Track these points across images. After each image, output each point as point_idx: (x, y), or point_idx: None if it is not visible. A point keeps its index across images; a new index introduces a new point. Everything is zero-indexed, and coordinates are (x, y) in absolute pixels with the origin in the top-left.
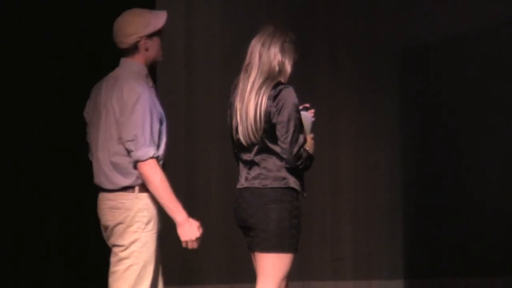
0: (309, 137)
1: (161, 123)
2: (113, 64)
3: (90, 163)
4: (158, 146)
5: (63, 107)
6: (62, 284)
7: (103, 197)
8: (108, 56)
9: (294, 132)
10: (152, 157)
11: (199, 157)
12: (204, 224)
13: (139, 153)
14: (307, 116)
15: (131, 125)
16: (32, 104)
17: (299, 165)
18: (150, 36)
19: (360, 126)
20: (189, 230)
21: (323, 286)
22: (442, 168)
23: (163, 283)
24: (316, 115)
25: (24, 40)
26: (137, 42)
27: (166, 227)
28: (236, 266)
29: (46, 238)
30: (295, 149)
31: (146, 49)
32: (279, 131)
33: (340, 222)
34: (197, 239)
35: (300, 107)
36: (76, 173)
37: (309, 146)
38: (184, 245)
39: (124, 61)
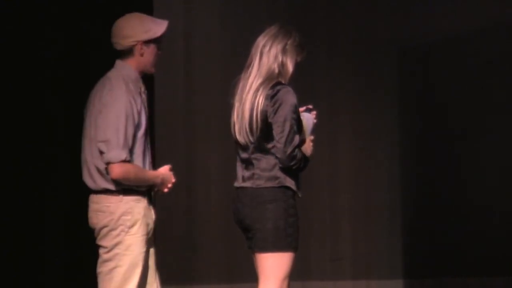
0: (309, 139)
1: (138, 129)
2: (112, 64)
3: None
4: (131, 151)
5: (63, 107)
6: (62, 284)
7: (90, 199)
8: (107, 56)
9: (289, 132)
10: (124, 161)
11: (198, 157)
12: (203, 224)
13: (110, 155)
14: (309, 118)
15: (105, 126)
16: (32, 104)
17: (292, 165)
18: (147, 42)
19: (359, 126)
20: (166, 181)
21: (322, 286)
22: (442, 168)
23: (157, 285)
24: (316, 115)
25: (24, 40)
26: (133, 46)
27: (164, 227)
28: (235, 266)
29: (46, 238)
30: (289, 149)
31: (141, 55)
32: (275, 130)
33: (339, 222)
34: (173, 182)
35: (303, 108)
36: (76, 173)
37: (308, 147)
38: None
39: (117, 63)
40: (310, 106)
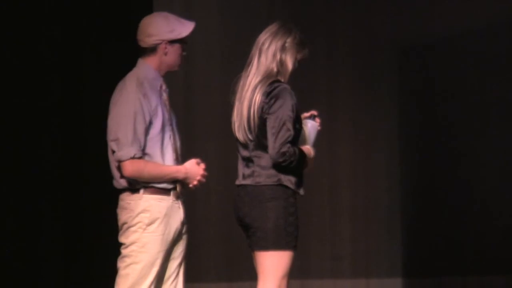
0: (311, 159)
1: (151, 127)
2: (111, 63)
3: (90, 163)
4: (144, 148)
5: (63, 107)
6: (62, 284)
7: (119, 198)
8: (107, 56)
9: (280, 128)
10: (133, 158)
11: (198, 157)
12: (203, 223)
13: (120, 153)
14: (313, 126)
15: (114, 125)
16: (32, 104)
17: (281, 162)
18: (172, 42)
19: (359, 126)
20: (192, 174)
21: (321, 285)
22: (441, 167)
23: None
24: (320, 123)
25: (23, 39)
26: (157, 44)
27: None
28: (235, 264)
29: (46, 238)
30: (278, 145)
31: (165, 54)
32: (268, 126)
33: (339, 221)
34: (203, 175)
35: (308, 114)
36: (77, 173)
37: (310, 161)
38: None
39: (138, 62)
40: (315, 112)
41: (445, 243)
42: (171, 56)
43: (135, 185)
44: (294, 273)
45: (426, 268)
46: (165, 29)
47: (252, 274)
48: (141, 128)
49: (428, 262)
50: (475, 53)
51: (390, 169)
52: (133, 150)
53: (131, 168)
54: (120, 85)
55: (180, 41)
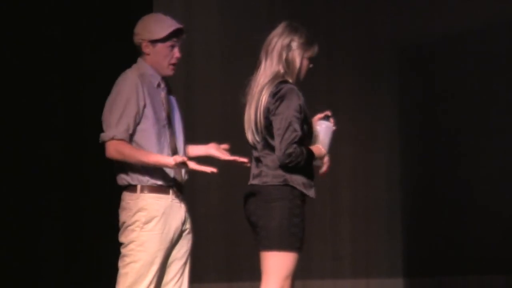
0: (326, 158)
1: (145, 117)
2: (111, 63)
3: (90, 163)
4: (133, 133)
5: (63, 107)
6: (62, 284)
7: (121, 197)
8: (106, 55)
9: (286, 129)
10: (112, 138)
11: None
12: (203, 222)
13: (104, 134)
14: (328, 126)
15: (106, 106)
16: (32, 104)
17: (288, 163)
18: (154, 42)
19: (359, 126)
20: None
21: (322, 285)
22: (441, 167)
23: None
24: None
25: (23, 38)
26: (140, 43)
27: None
28: (235, 264)
29: (46, 238)
30: (284, 147)
31: (148, 54)
32: (274, 127)
33: (339, 220)
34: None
35: (321, 115)
36: (77, 173)
37: (325, 163)
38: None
39: (137, 60)
40: (329, 113)
41: (445, 243)
42: (154, 56)
43: (130, 180)
44: (295, 273)
45: (426, 268)
46: (147, 28)
47: (252, 274)
48: (131, 112)
49: (428, 262)
50: (475, 53)
51: (390, 169)
52: (115, 131)
53: (110, 148)
54: (122, 74)
55: (162, 41)
